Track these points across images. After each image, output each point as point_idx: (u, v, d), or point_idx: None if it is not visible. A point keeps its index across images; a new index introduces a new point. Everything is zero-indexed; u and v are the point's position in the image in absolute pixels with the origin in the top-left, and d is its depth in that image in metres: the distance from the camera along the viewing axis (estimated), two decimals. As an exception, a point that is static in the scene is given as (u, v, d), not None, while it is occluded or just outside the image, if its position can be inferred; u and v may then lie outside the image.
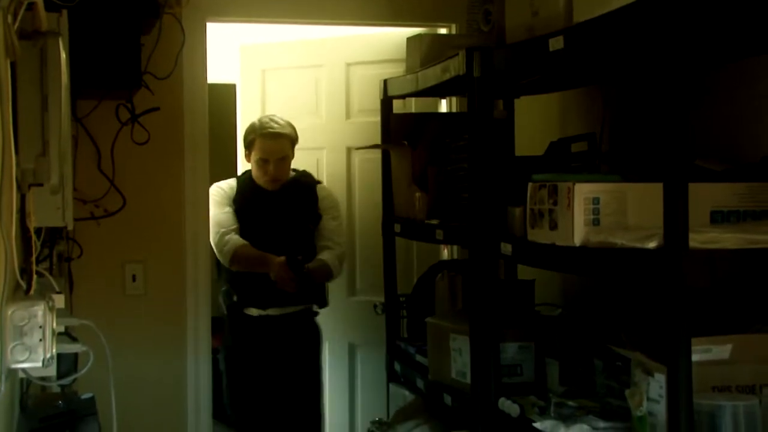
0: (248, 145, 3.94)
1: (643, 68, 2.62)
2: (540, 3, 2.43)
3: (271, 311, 3.96)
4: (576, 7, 2.25)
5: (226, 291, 4.03)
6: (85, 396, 2.71)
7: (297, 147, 4.03)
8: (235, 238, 3.85)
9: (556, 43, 2.22)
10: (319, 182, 4.13)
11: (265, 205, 3.93)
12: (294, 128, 3.95)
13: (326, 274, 3.89)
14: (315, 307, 4.08)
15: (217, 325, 4.12)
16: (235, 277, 3.96)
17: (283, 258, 3.74)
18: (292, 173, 4.01)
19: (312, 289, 3.94)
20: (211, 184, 3.97)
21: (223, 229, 3.86)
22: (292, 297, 3.88)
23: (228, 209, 3.91)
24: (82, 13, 2.39)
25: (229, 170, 4.76)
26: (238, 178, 4.05)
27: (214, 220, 3.90)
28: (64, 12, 2.04)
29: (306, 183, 4.04)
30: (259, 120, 3.96)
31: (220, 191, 3.95)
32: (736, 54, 2.43)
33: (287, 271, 3.72)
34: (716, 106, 2.60)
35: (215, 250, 3.90)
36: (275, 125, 3.90)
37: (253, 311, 3.97)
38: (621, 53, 2.37)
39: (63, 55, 1.73)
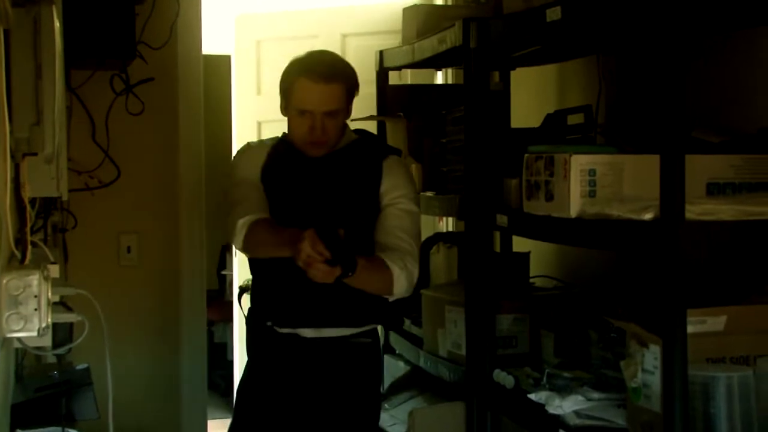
0: (285, 91, 2.70)
1: (640, 40, 2.61)
2: (537, -27, 2.42)
3: (302, 331, 2.71)
4: (573, -23, 2.24)
5: (241, 291, 3.12)
6: (81, 366, 2.72)
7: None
8: (256, 212, 2.64)
9: (553, 14, 2.21)
10: (389, 153, 2.82)
11: (300, 178, 2.71)
12: (354, 72, 2.75)
13: (380, 279, 2.58)
14: (379, 329, 2.86)
15: (211, 297, 4.12)
16: (255, 279, 2.84)
17: (311, 228, 2.38)
18: (352, 137, 2.80)
19: (368, 303, 2.69)
20: (205, 155, 3.95)
21: (237, 207, 2.67)
22: (336, 314, 2.69)
23: (251, 178, 2.73)
24: (76, -19, 2.38)
25: (225, 142, 4.75)
26: (279, 138, 2.82)
27: (230, 191, 2.74)
28: (58, -20, 2.02)
29: (368, 153, 2.76)
30: (306, 54, 2.74)
31: (246, 152, 2.83)
32: (734, 24, 2.42)
33: (317, 243, 2.34)
34: (714, 77, 2.59)
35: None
36: (326, 62, 2.71)
37: (283, 328, 2.72)
38: (618, 24, 2.36)
39: (57, 24, 1.71)
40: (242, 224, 2.61)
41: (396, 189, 2.69)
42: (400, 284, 2.59)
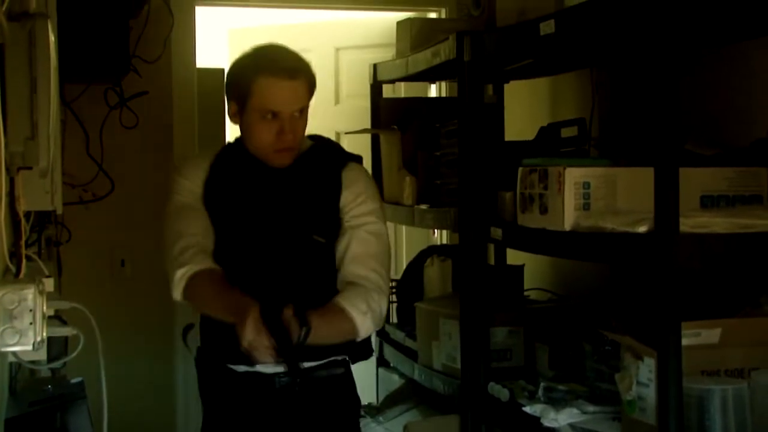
0: (241, 94, 2.33)
1: (633, 53, 2.62)
2: (531, -13, 2.43)
3: (261, 368, 2.36)
4: (567, -10, 2.25)
5: (187, 328, 2.61)
6: (75, 380, 2.71)
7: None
8: (197, 259, 2.35)
9: (546, 27, 2.22)
10: (348, 160, 2.49)
11: (251, 192, 2.40)
12: (311, 65, 2.40)
13: (341, 330, 2.29)
14: (346, 360, 2.47)
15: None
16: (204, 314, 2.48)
17: (255, 307, 2.13)
18: (308, 142, 2.48)
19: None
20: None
21: (175, 247, 2.39)
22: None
23: (191, 202, 2.42)
24: (71, -5, 2.39)
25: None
26: (223, 150, 2.51)
27: (167, 222, 2.47)
28: (53, -6, 2.03)
29: (325, 161, 2.45)
30: (257, 49, 2.36)
31: (184, 169, 2.50)
32: (727, 37, 2.43)
33: (259, 330, 2.10)
34: (707, 89, 2.60)
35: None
36: (286, 56, 2.34)
37: (239, 366, 2.40)
38: (612, 37, 2.37)
39: (52, 38, 1.71)
40: (180, 276, 2.36)
41: (360, 204, 2.39)
42: (366, 328, 2.31)
